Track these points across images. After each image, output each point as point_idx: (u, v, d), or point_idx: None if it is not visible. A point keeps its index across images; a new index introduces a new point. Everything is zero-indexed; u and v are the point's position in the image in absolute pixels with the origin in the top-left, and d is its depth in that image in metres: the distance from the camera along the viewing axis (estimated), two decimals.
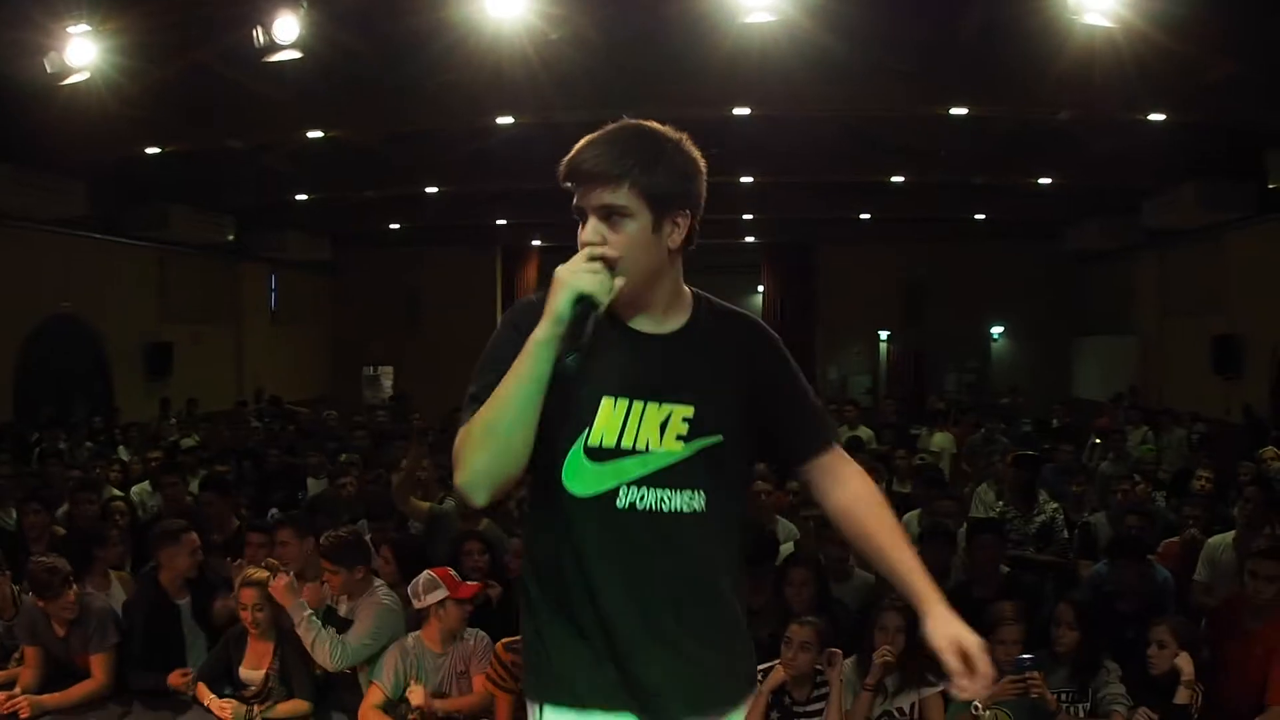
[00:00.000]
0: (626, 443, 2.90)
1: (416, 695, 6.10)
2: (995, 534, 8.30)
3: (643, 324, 3.00)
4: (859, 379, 29.58)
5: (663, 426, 2.92)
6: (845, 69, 12.95)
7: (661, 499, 2.91)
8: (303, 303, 30.24)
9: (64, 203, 18.23)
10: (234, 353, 26.74)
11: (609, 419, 2.90)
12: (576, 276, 2.74)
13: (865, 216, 25.89)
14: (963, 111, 15.02)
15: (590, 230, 2.83)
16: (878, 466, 12.26)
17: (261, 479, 12.69)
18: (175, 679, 6.71)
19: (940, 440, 15.83)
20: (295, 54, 11.08)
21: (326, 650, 6.33)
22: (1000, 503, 10.14)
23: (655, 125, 2.93)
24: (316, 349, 30.92)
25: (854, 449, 13.08)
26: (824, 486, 3.18)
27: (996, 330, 29.27)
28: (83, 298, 20.63)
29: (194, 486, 11.31)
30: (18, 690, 6.49)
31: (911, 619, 5.95)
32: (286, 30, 10.82)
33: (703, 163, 2.94)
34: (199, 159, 18.52)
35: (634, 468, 2.90)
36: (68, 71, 11.43)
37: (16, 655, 6.95)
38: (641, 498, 2.91)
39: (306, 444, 16.52)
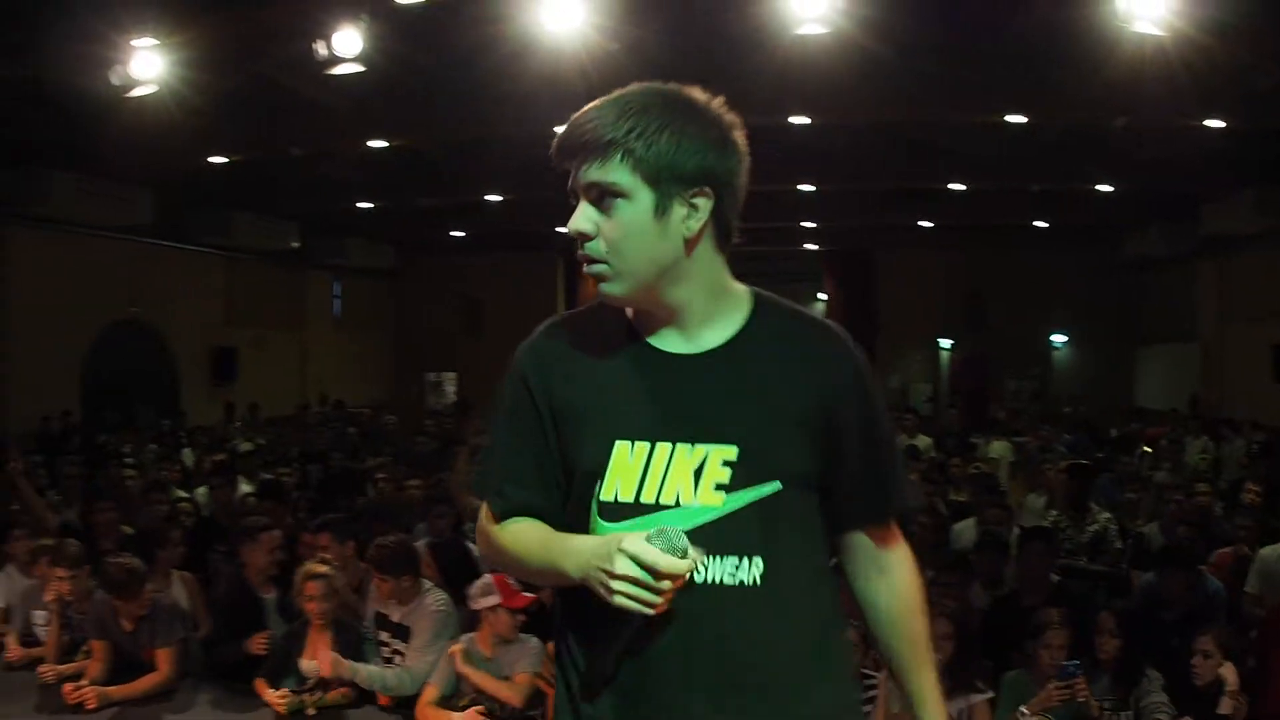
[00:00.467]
0: (648, 496, 2.29)
1: (455, 647, 6.31)
2: (1045, 542, 8.29)
3: (669, 340, 2.38)
4: (920, 387, 29.50)
5: (697, 474, 2.28)
6: (898, 78, 13.00)
7: (696, 568, 2.21)
8: (365, 309, 30.56)
9: (129, 211, 18.61)
10: (297, 358, 27.08)
11: (624, 467, 2.31)
12: (616, 598, 2.13)
13: (925, 224, 25.85)
14: (1019, 119, 15.04)
15: (579, 216, 2.29)
16: (934, 476, 12.30)
17: (326, 482, 12.86)
18: (256, 643, 6.95)
19: (998, 448, 15.84)
20: (357, 67, 11.27)
21: (397, 686, 6.49)
22: (1053, 512, 10.12)
23: (676, 87, 2.34)
24: (379, 355, 31.26)
25: (911, 458, 13.15)
26: (862, 566, 2.57)
27: (1058, 338, 29.10)
28: (148, 303, 21.04)
29: (253, 488, 11.56)
30: (85, 682, 6.66)
31: (961, 626, 6.04)
32: (348, 44, 11.00)
33: (739, 133, 2.34)
34: (262, 167, 18.76)
35: (671, 523, 2.23)
36: (133, 84, 11.65)
37: (85, 649, 7.14)
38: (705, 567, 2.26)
39: (368, 448, 16.77)
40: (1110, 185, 20.42)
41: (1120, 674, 6.08)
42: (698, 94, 2.33)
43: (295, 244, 24.70)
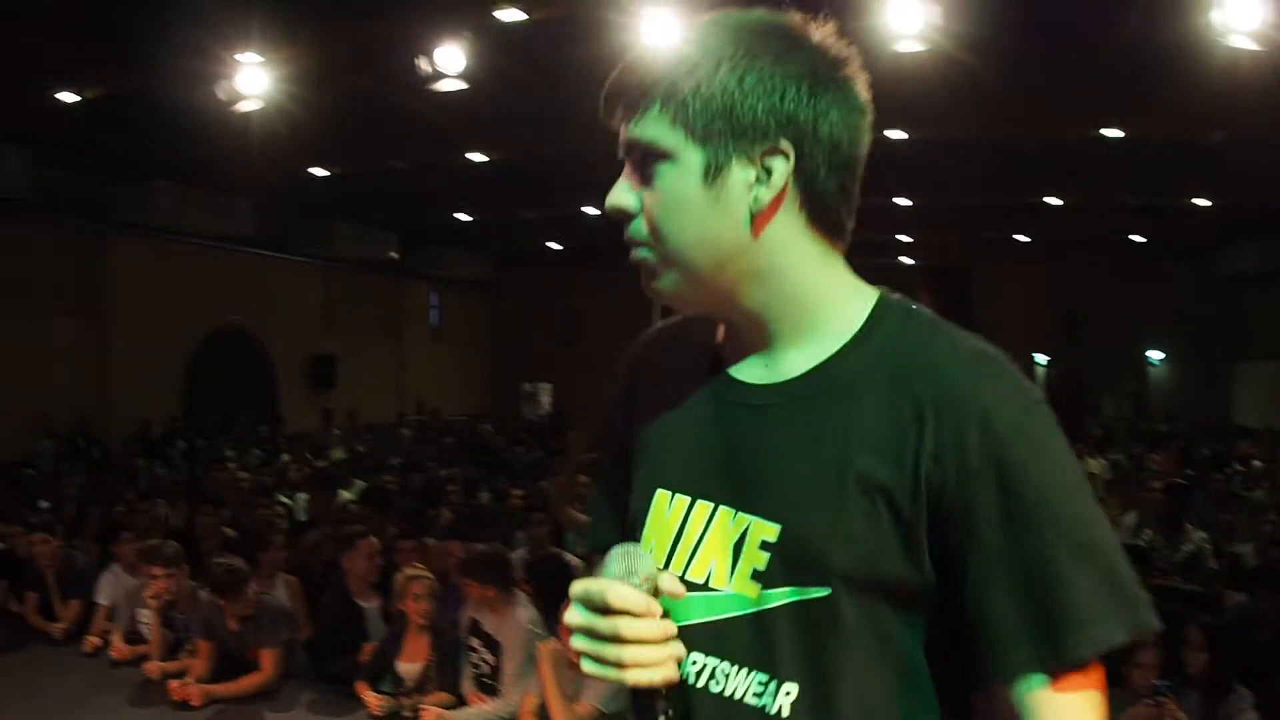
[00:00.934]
0: (677, 565, 1.68)
1: (548, 645, 6.33)
2: (1137, 561, 8.25)
3: (748, 365, 1.71)
4: None
5: (736, 550, 1.63)
6: (995, 93, 13.01)
7: (715, 674, 1.63)
8: (463, 319, 30.87)
9: (232, 220, 19.00)
10: (394, 367, 27.39)
11: (660, 523, 1.72)
12: (582, 662, 1.59)
13: (1022, 238, 25.76)
14: (1116, 133, 15.01)
15: (616, 188, 1.65)
16: None
17: (426, 490, 13.03)
18: (365, 654, 7.12)
19: (1094, 466, 15.74)
20: (460, 84, 11.45)
21: (501, 716, 6.60)
22: (1147, 531, 10.05)
23: (764, 11, 1.64)
24: (476, 365, 31.57)
25: None
26: None
27: (1155, 355, 28.81)
28: (249, 311, 21.40)
29: (350, 495, 11.79)
30: (190, 680, 6.86)
31: None
32: (452, 60, 11.19)
33: (849, 71, 1.61)
34: (363, 179, 19.04)
35: (690, 609, 1.65)
36: (239, 98, 11.91)
37: (188, 647, 7.34)
38: (694, 662, 1.65)
39: (466, 457, 16.98)
40: (1208, 199, 20.28)
41: (1209, 690, 6.07)
42: (793, 19, 1.63)
43: (394, 254, 25.04)
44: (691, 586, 1.63)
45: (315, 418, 22.67)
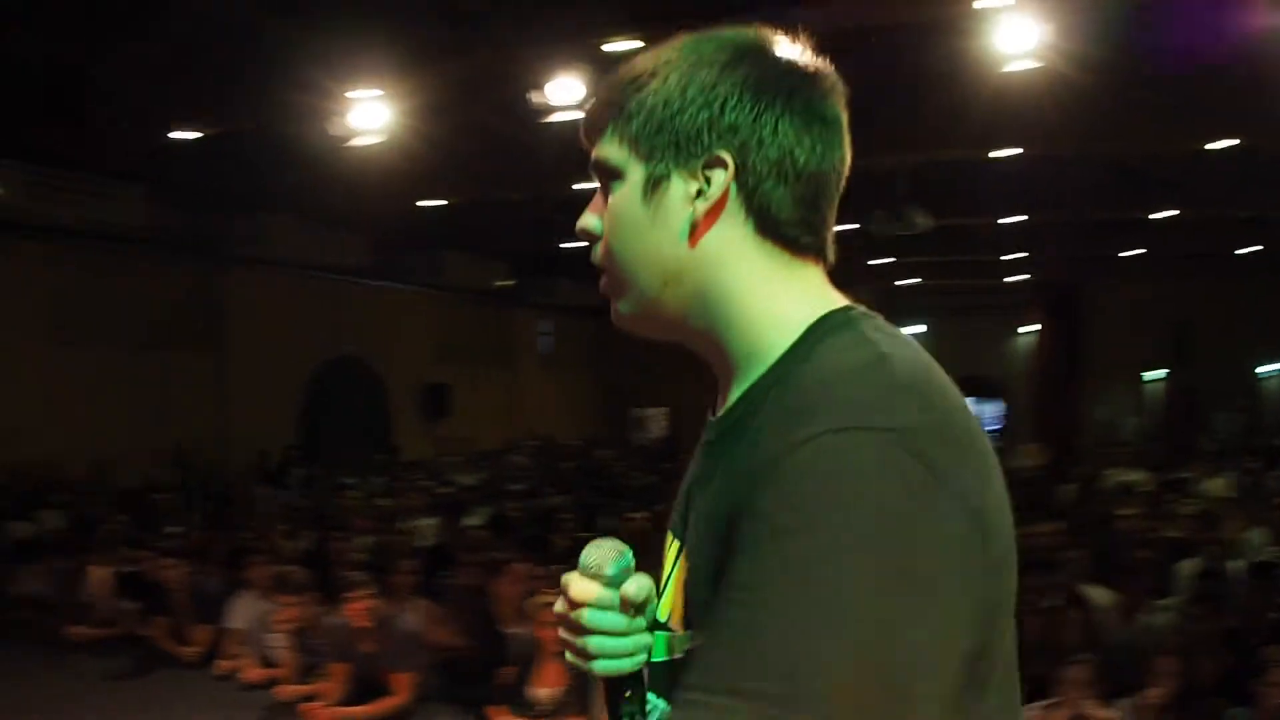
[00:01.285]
0: (660, 604, 1.58)
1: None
2: (1266, 578, 8.21)
3: (721, 404, 1.59)
4: (1128, 420, 28.87)
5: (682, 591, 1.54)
6: (1105, 109, 12.97)
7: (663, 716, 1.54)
8: (574, 346, 30.99)
9: (347, 252, 19.31)
10: (507, 394, 27.53)
11: (665, 562, 1.64)
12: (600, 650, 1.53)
13: (1134, 253, 25.50)
14: (1228, 144, 14.86)
15: (583, 214, 1.66)
16: (1150, 511, 12.16)
17: (548, 515, 13.14)
18: (503, 678, 7.19)
19: (1215, 486, 15.54)
20: (577, 114, 11.55)
21: None
22: (1270, 547, 9.94)
23: (730, 28, 1.55)
24: (587, 392, 31.73)
25: (1123, 493, 13.02)
26: None
27: (1268, 368, 28.35)
28: (364, 340, 21.68)
29: (476, 521, 11.92)
30: (324, 703, 6.98)
31: (1190, 663, 6.03)
32: (567, 91, 11.28)
33: (822, 86, 1.52)
34: (476, 209, 19.23)
35: (656, 647, 1.56)
36: (351, 134, 12.09)
37: (321, 671, 7.47)
38: (651, 707, 1.57)
39: (584, 482, 17.07)
40: None
41: None
42: (760, 33, 1.55)
43: (506, 283, 25.24)
44: (660, 626, 1.56)
45: (429, 446, 22.87)
